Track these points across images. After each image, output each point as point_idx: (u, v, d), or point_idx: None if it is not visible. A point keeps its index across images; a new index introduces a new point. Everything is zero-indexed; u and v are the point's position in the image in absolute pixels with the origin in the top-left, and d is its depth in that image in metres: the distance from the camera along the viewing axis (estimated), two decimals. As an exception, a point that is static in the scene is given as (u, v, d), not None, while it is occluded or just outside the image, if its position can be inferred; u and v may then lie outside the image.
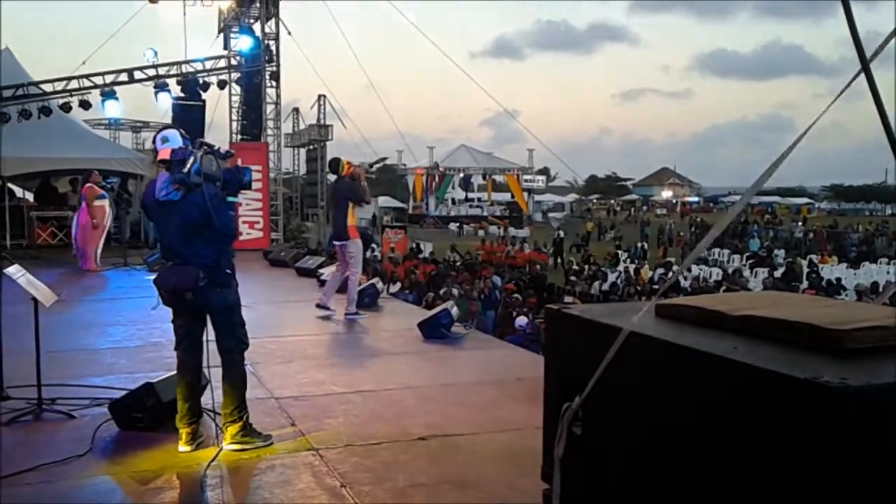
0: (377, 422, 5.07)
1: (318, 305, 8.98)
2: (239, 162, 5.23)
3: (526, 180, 52.28)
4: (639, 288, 17.24)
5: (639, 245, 32.30)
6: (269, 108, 19.27)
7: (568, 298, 12.78)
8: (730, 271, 22.74)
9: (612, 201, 75.26)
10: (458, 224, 46.84)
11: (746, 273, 22.13)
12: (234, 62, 18.57)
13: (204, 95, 17.78)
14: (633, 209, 69.57)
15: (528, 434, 4.43)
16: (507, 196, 53.79)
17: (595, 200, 75.56)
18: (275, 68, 19.02)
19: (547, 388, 3.08)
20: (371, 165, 25.28)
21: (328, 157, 30.01)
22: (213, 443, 4.52)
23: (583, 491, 2.72)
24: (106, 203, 13.60)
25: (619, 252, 29.78)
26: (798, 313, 2.37)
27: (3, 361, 5.16)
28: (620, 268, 22.41)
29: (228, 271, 4.49)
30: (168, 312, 4.64)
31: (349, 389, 5.87)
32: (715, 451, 2.13)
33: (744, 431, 2.02)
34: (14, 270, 5.30)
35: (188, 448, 4.45)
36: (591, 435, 2.69)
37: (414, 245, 27.37)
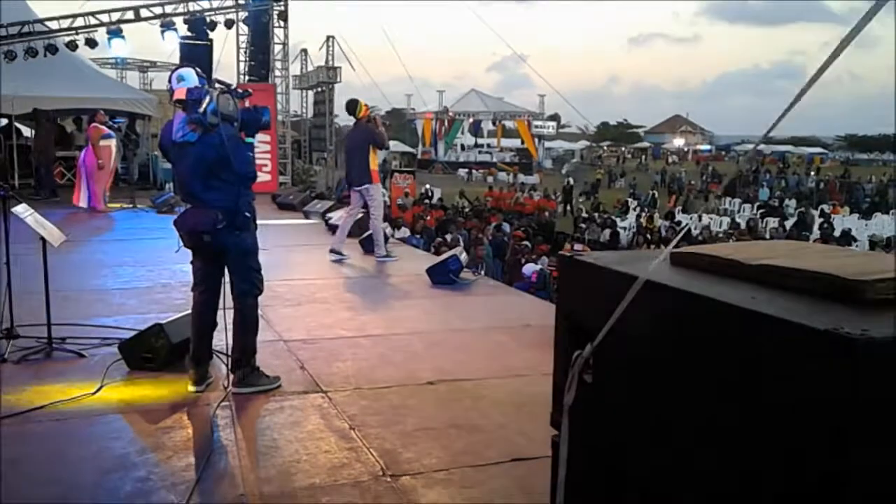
0: (385, 366, 5.09)
1: (331, 251, 8.97)
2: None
3: (536, 126, 51.70)
4: (649, 237, 17.18)
5: (650, 193, 32.06)
6: (277, 49, 19.00)
7: (578, 246, 12.74)
8: (739, 220, 22.60)
9: (623, 149, 74.53)
10: (467, 170, 46.52)
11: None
12: (240, 1, 18.24)
13: (211, 35, 17.52)
14: (644, 157, 68.94)
15: (536, 380, 4.44)
16: (517, 142, 53.31)
17: (606, 148, 74.85)
18: (282, 7, 18.70)
19: (558, 336, 3.05)
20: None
21: (336, 100, 29.73)
22: (223, 384, 4.54)
23: (592, 438, 2.72)
24: (112, 143, 13.49)
25: (630, 200, 29.59)
26: (818, 263, 2.32)
27: (13, 301, 5.16)
28: (631, 216, 22.27)
29: (247, 214, 4.42)
30: (181, 255, 4.62)
31: (358, 333, 5.89)
32: (730, 403, 2.10)
33: (760, 383, 1.99)
34: (21, 209, 5.26)
35: (198, 388, 4.48)
36: (601, 383, 2.67)
37: (424, 190, 27.27)
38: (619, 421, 2.63)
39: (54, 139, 16.31)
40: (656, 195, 31.54)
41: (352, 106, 8.97)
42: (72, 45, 17.03)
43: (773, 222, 21.97)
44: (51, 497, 3.26)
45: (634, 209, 26.70)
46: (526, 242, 13.59)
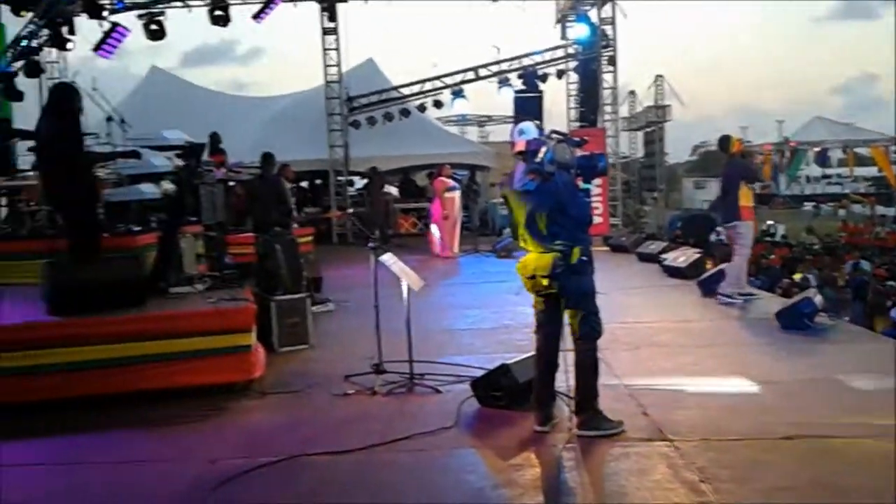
0: (734, 416, 4.79)
1: (719, 294, 8.70)
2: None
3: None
4: None
5: None
6: (606, 93, 19.20)
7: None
8: None
9: None
10: (813, 203, 42.73)
11: None
12: (570, 51, 18.85)
13: (542, 86, 18.36)
14: None
15: (918, 442, 3.86)
16: (872, 170, 47.71)
17: None
18: (611, 53, 18.92)
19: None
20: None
21: (666, 139, 29.19)
22: (567, 426, 4.60)
23: None
24: (456, 195, 14.63)
25: None
26: None
27: (381, 340, 5.79)
28: None
29: (585, 258, 4.49)
30: (522, 297, 4.83)
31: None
32: None
33: None
34: (388, 258, 5.95)
35: (543, 429, 4.59)
36: None
37: (766, 227, 25.56)
38: None
39: (383, 189, 18.21)
40: None
41: (724, 142, 9.07)
42: (421, 108, 19.08)
43: None
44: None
45: None
46: (892, 282, 12.03)
